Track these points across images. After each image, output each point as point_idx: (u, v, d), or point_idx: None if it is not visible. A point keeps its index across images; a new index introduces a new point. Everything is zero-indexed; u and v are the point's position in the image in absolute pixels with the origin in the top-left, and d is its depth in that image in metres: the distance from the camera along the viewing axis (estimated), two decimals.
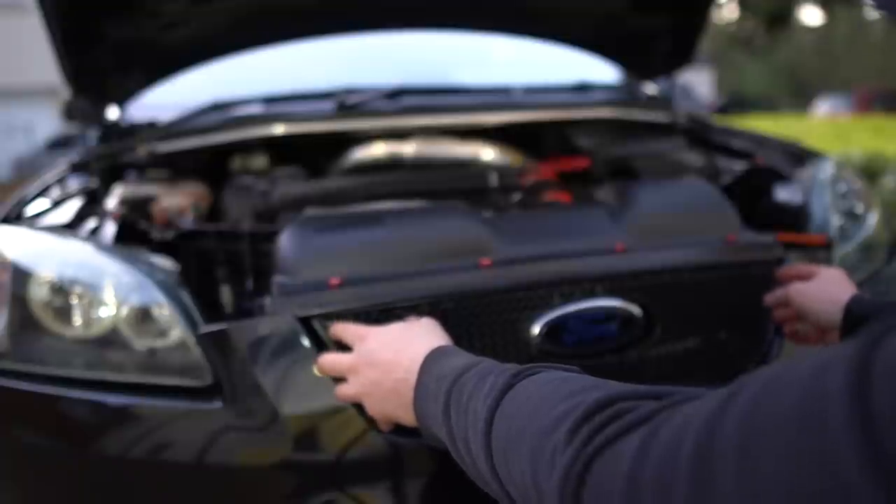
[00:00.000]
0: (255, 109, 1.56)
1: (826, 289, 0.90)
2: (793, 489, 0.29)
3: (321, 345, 0.87)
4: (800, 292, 0.93)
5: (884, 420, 0.27)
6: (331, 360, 0.82)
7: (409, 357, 0.71)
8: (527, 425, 0.49)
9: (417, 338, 0.74)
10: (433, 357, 0.69)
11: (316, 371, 0.85)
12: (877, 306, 0.83)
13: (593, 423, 0.43)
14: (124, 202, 1.29)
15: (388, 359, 0.73)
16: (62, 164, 1.59)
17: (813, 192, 1.33)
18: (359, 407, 0.85)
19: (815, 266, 0.99)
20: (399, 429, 0.84)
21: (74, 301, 0.93)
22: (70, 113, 1.56)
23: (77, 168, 1.51)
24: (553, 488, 0.43)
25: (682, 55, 1.94)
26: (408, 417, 0.71)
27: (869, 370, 0.29)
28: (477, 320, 0.92)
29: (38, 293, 0.94)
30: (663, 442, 0.37)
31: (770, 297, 1.00)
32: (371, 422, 0.84)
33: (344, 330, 0.84)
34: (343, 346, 0.86)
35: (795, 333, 0.98)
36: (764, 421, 0.32)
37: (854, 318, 0.83)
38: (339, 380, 0.83)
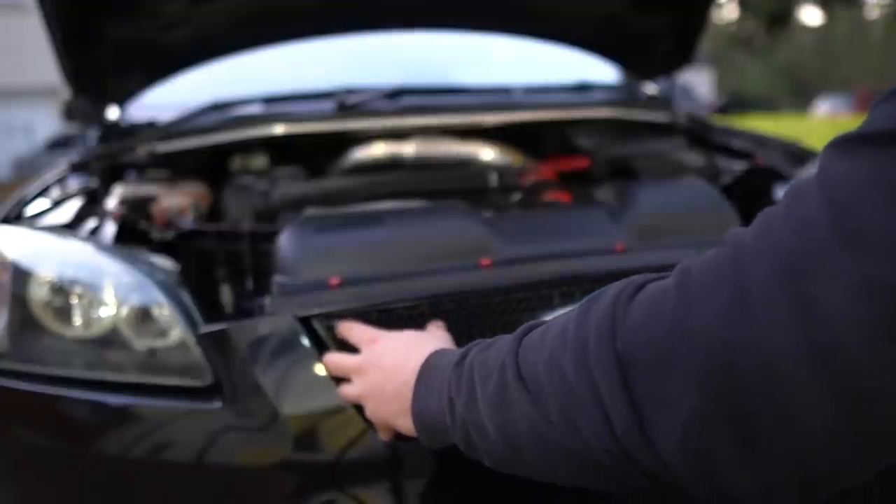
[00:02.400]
0: (255, 109, 1.56)
1: None
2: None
3: (321, 345, 0.87)
4: None
5: (844, 195, 0.36)
6: (337, 359, 0.82)
7: (415, 362, 0.70)
8: (560, 324, 0.52)
9: (427, 346, 0.73)
10: (434, 356, 0.69)
11: (319, 369, 0.85)
12: None
13: (627, 282, 0.50)
14: (124, 202, 1.29)
15: (396, 363, 0.73)
16: (62, 164, 1.59)
17: None
18: (359, 407, 0.85)
19: None
20: (396, 437, 0.85)
21: (74, 301, 0.93)
22: (70, 113, 1.57)
23: (77, 168, 1.51)
24: (601, 309, 0.47)
25: (682, 55, 1.94)
26: (407, 424, 0.71)
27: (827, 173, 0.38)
28: (477, 320, 0.92)
29: (38, 293, 0.94)
30: (700, 260, 0.44)
31: None
32: (371, 423, 0.84)
33: (352, 330, 0.84)
34: (345, 346, 0.86)
35: None
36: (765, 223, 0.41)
37: None
38: (341, 380, 0.83)
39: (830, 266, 0.35)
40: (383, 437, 0.80)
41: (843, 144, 0.38)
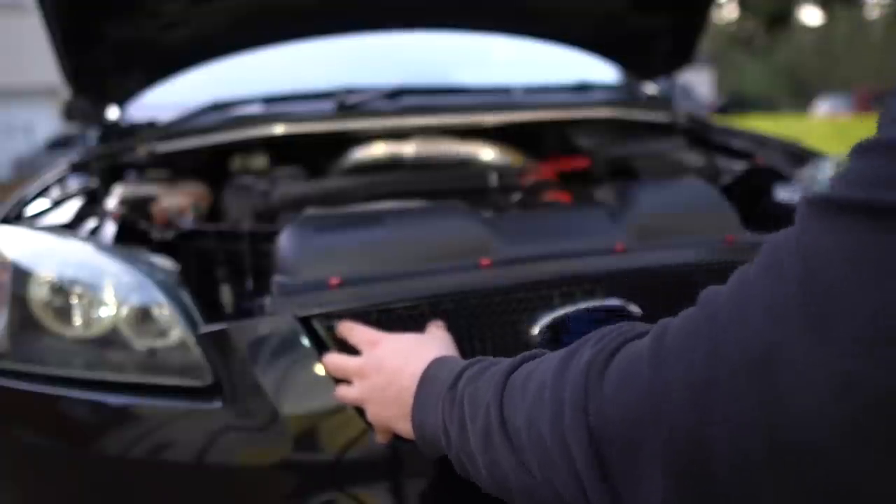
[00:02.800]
0: (255, 109, 1.56)
1: None
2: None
3: (321, 345, 0.87)
4: None
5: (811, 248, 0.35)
6: (337, 360, 0.82)
7: (416, 366, 0.70)
8: (543, 367, 0.51)
9: (428, 349, 0.73)
10: (435, 365, 0.68)
11: (319, 369, 0.85)
12: None
13: (610, 336, 0.48)
14: (124, 202, 1.29)
15: (396, 366, 0.73)
16: (62, 164, 1.59)
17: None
18: (359, 407, 0.85)
19: None
20: (396, 439, 0.85)
21: (74, 301, 0.93)
22: (70, 113, 1.57)
23: (77, 168, 1.51)
24: (574, 376, 0.46)
25: (682, 55, 1.94)
26: (406, 428, 0.71)
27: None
28: (477, 320, 0.92)
29: (38, 293, 0.94)
30: (674, 326, 0.43)
31: None
32: (371, 423, 0.84)
33: (353, 331, 0.84)
34: (345, 346, 0.86)
35: None
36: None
37: None
38: (340, 381, 0.83)
39: (802, 358, 0.33)
40: (382, 439, 0.80)
41: (821, 206, 0.35)
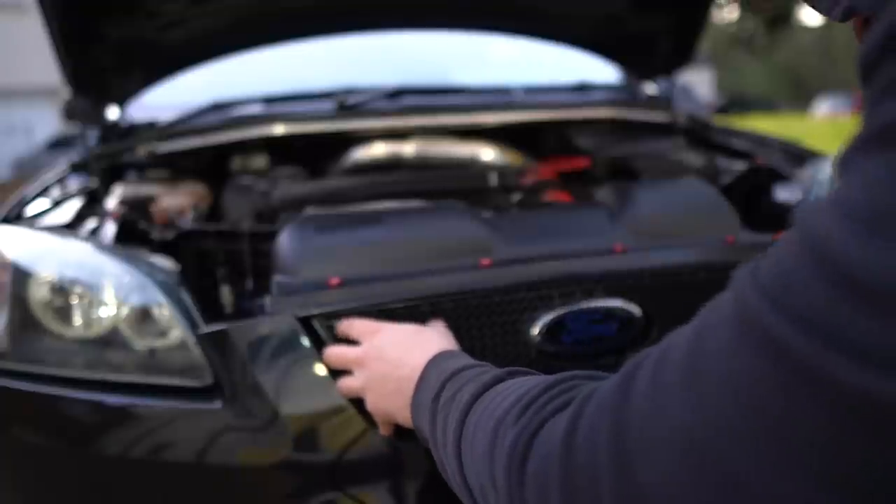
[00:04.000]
0: (255, 109, 1.56)
1: None
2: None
3: (321, 345, 0.87)
4: None
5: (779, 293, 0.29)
6: (338, 352, 0.82)
7: (417, 357, 0.70)
8: (486, 420, 0.49)
9: (429, 340, 0.74)
10: (438, 358, 0.69)
11: (319, 369, 0.85)
12: None
13: (537, 404, 0.44)
14: (124, 202, 1.29)
15: (397, 356, 0.73)
16: (62, 164, 1.59)
17: (813, 192, 1.33)
18: (359, 407, 0.85)
19: None
20: (396, 432, 0.85)
21: (74, 301, 0.93)
22: (70, 113, 1.57)
23: (77, 168, 1.51)
24: (500, 468, 0.44)
25: (682, 55, 1.94)
26: (407, 418, 0.71)
27: (759, 280, 0.31)
28: (476, 320, 0.92)
29: (38, 293, 0.94)
30: (588, 414, 0.38)
31: None
32: (371, 422, 0.84)
33: (352, 324, 0.84)
34: (347, 345, 0.86)
35: None
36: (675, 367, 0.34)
37: None
38: (340, 375, 0.83)
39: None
40: (383, 431, 0.80)
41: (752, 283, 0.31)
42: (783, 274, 0.29)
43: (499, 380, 0.55)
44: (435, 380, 0.64)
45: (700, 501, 0.30)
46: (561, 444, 0.38)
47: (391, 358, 0.74)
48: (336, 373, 0.86)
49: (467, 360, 0.67)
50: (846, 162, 0.29)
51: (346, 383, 0.80)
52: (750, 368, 0.29)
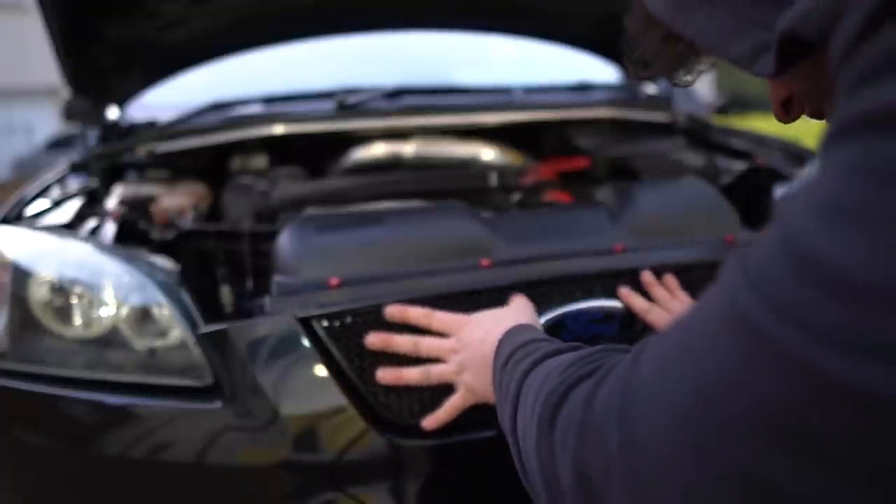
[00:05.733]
0: (255, 109, 1.56)
1: None
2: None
3: (321, 345, 0.87)
4: None
5: (772, 290, 0.31)
6: (433, 343, 0.83)
7: (497, 332, 0.73)
8: (539, 378, 0.55)
9: (507, 317, 0.77)
10: (511, 332, 0.71)
11: (319, 369, 0.85)
12: None
13: (571, 369, 0.50)
14: (124, 202, 1.29)
15: (482, 336, 0.76)
16: (62, 164, 1.59)
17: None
18: (359, 407, 0.85)
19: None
20: (397, 431, 0.84)
21: (74, 301, 0.93)
22: (70, 113, 1.56)
23: (77, 168, 1.51)
24: (537, 414, 0.49)
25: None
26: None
27: (746, 268, 0.33)
28: None
29: (38, 293, 0.94)
30: (607, 382, 0.42)
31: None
32: (371, 421, 0.84)
33: (433, 317, 0.84)
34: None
35: None
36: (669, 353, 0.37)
37: None
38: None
39: None
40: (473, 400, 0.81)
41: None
42: (764, 262, 0.32)
43: (559, 351, 0.59)
44: (506, 350, 0.67)
45: (684, 462, 0.34)
46: (582, 404, 0.43)
47: (477, 338, 0.77)
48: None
49: (537, 333, 0.69)
50: (822, 150, 0.31)
51: (441, 370, 0.81)
52: (734, 350, 0.32)
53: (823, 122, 0.45)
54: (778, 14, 0.38)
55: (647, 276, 0.98)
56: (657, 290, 0.97)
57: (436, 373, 0.82)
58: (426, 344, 0.83)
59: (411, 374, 0.83)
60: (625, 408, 0.39)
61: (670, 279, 0.99)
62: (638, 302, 0.95)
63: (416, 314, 0.85)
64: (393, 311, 0.86)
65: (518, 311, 0.81)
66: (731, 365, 0.32)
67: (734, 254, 0.35)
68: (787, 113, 0.50)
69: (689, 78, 0.54)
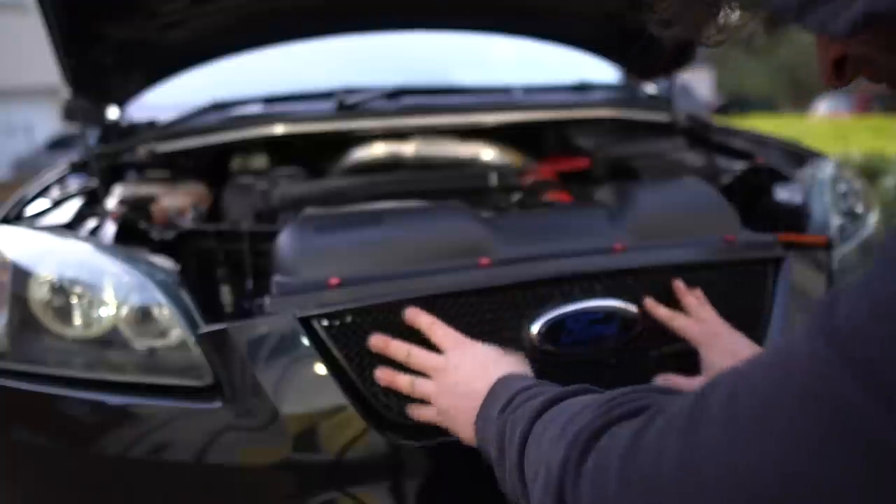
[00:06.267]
0: (255, 109, 1.56)
1: None
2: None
3: (321, 344, 0.87)
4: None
5: (871, 361, 0.29)
6: (423, 355, 0.82)
7: (491, 374, 0.72)
8: (559, 416, 0.53)
9: (506, 362, 0.76)
10: (508, 378, 0.70)
11: (319, 369, 0.85)
12: None
13: (608, 406, 0.48)
14: (124, 202, 1.29)
15: (472, 372, 0.75)
16: (62, 164, 1.59)
17: (813, 192, 1.33)
18: (358, 406, 0.85)
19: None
20: (397, 430, 0.85)
21: (74, 301, 0.93)
22: (70, 113, 1.56)
23: (77, 168, 1.51)
24: (560, 453, 0.47)
25: (682, 55, 1.94)
26: (467, 429, 0.72)
27: (838, 328, 0.31)
28: (475, 319, 0.92)
29: (38, 293, 0.94)
30: (657, 427, 0.40)
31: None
32: (371, 421, 0.84)
33: (435, 328, 0.84)
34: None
35: None
36: (747, 405, 0.35)
37: None
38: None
39: None
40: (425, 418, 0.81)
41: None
42: (861, 334, 0.29)
43: (574, 393, 0.58)
44: (504, 394, 0.66)
45: None
46: (628, 445, 0.41)
47: (467, 371, 0.76)
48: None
49: (536, 380, 0.68)
50: None
51: (422, 386, 0.81)
52: (821, 431, 0.30)
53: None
54: None
55: (679, 285, 0.98)
56: (687, 298, 0.97)
57: (419, 388, 0.81)
58: (416, 356, 0.82)
59: (401, 382, 0.83)
60: (685, 466, 0.36)
61: (698, 291, 0.98)
62: (662, 310, 0.95)
63: (423, 321, 0.85)
64: (409, 313, 0.85)
65: (517, 361, 0.78)
66: (814, 445, 0.30)
67: (815, 312, 0.32)
68: (839, 76, 0.42)
69: (719, 36, 0.46)
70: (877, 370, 0.28)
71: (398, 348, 0.83)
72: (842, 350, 0.30)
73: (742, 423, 0.34)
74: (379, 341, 0.85)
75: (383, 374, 0.84)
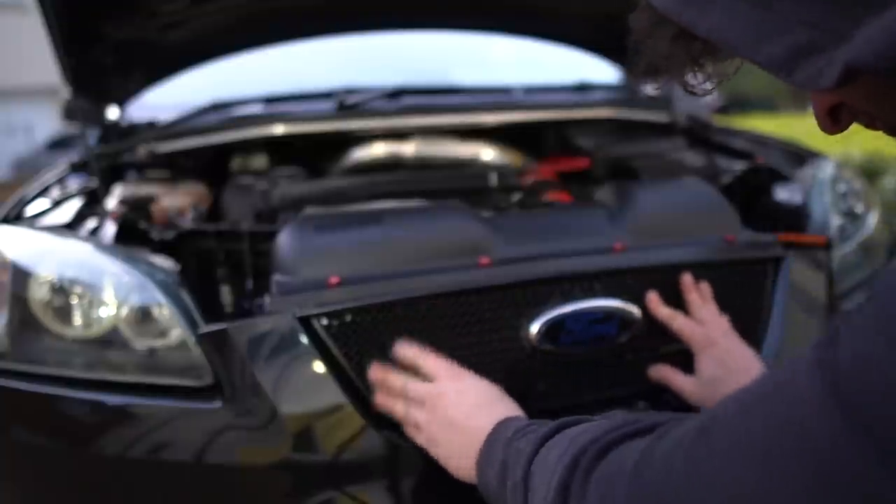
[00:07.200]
0: (255, 109, 1.56)
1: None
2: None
3: (320, 343, 0.87)
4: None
5: (865, 407, 0.29)
6: (411, 385, 0.81)
7: (485, 416, 0.72)
8: (562, 441, 0.53)
9: (503, 405, 0.75)
10: (501, 426, 0.70)
11: (319, 368, 0.85)
12: None
13: (614, 426, 0.48)
14: (124, 202, 1.29)
15: (468, 411, 0.74)
16: (62, 164, 1.59)
17: (813, 192, 1.33)
18: (358, 405, 0.85)
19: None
20: (396, 429, 0.85)
21: (74, 301, 0.93)
22: (70, 113, 1.56)
23: (77, 168, 1.51)
24: (564, 470, 0.47)
25: None
26: (460, 465, 0.73)
27: (836, 368, 0.31)
28: (475, 319, 0.92)
29: (38, 293, 0.94)
30: (664, 447, 0.41)
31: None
32: (370, 420, 0.84)
33: (426, 359, 0.82)
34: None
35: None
36: (743, 437, 0.35)
37: None
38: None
39: None
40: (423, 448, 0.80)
41: None
42: (863, 383, 0.29)
43: (578, 421, 0.58)
44: (506, 434, 0.66)
45: None
46: (636, 462, 0.41)
47: (465, 409, 0.75)
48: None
49: (519, 421, 0.69)
50: None
51: (413, 415, 0.79)
52: (814, 470, 0.31)
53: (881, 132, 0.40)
54: (827, 13, 0.32)
55: (687, 279, 0.98)
56: (692, 295, 0.97)
57: (412, 416, 0.80)
58: (411, 389, 0.81)
59: (397, 409, 0.82)
60: (692, 483, 0.37)
61: (705, 286, 0.98)
62: (663, 310, 0.95)
63: (410, 353, 0.84)
64: (377, 373, 0.84)
65: (510, 401, 0.78)
66: (809, 484, 0.31)
67: (817, 344, 0.33)
68: (835, 122, 0.42)
69: (707, 85, 0.46)
70: (869, 417, 0.28)
71: (395, 380, 0.82)
72: (837, 391, 0.30)
73: (744, 451, 0.35)
74: (378, 373, 0.84)
75: (381, 401, 0.83)
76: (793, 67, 0.34)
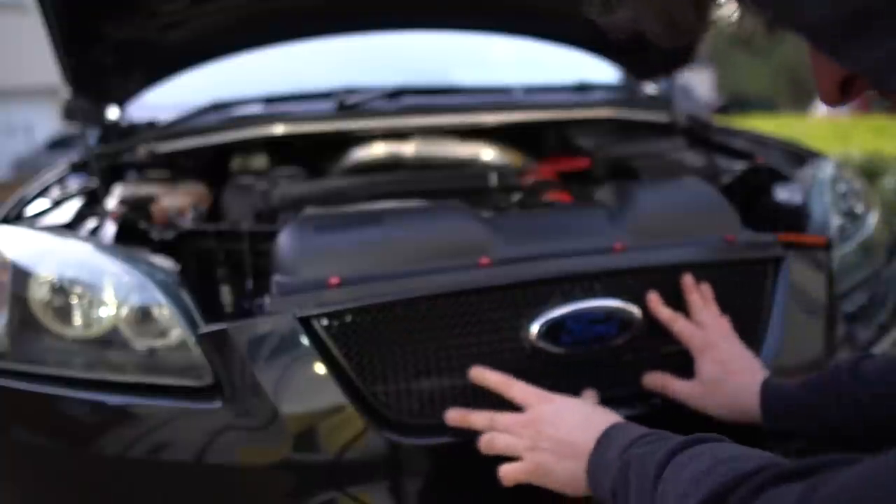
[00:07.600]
0: (255, 109, 1.56)
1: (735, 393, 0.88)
2: None
3: (321, 344, 0.87)
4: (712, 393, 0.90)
5: None
6: (508, 417, 0.80)
7: (595, 427, 0.72)
8: (702, 458, 0.53)
9: (605, 414, 0.75)
10: (613, 429, 0.70)
11: (319, 368, 0.85)
12: (793, 390, 0.82)
13: (761, 470, 0.47)
14: (124, 202, 1.29)
15: (576, 423, 0.74)
16: (62, 164, 1.59)
17: (813, 192, 1.33)
18: (358, 406, 0.85)
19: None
20: (397, 430, 0.85)
21: (74, 301, 0.93)
22: (70, 113, 1.56)
23: (77, 168, 1.51)
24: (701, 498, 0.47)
25: (682, 55, 1.94)
26: (571, 478, 0.72)
27: None
28: (475, 319, 0.92)
29: (38, 293, 0.94)
30: (828, 494, 0.39)
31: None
32: (370, 420, 0.84)
33: (514, 387, 0.83)
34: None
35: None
36: None
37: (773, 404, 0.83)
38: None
39: None
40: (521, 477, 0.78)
41: None
42: None
43: (703, 440, 0.58)
44: (621, 438, 0.66)
45: None
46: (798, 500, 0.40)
47: (570, 425, 0.75)
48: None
49: (634, 430, 0.68)
50: None
51: (504, 441, 0.78)
52: None
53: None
54: None
55: (688, 279, 0.98)
56: (693, 296, 0.97)
57: (501, 444, 0.79)
58: (500, 420, 0.80)
59: (483, 442, 0.80)
60: None
61: (706, 288, 0.98)
62: (664, 311, 0.95)
63: (494, 380, 0.84)
64: (454, 416, 0.84)
65: (611, 413, 0.78)
66: None
67: None
68: (844, 94, 0.41)
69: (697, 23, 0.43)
70: None
71: (479, 418, 0.81)
72: None
73: None
74: (456, 416, 0.83)
75: (455, 415, 0.83)
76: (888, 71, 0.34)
